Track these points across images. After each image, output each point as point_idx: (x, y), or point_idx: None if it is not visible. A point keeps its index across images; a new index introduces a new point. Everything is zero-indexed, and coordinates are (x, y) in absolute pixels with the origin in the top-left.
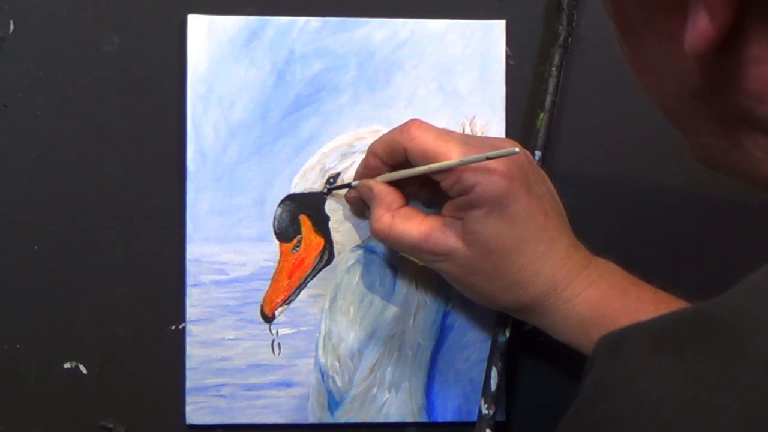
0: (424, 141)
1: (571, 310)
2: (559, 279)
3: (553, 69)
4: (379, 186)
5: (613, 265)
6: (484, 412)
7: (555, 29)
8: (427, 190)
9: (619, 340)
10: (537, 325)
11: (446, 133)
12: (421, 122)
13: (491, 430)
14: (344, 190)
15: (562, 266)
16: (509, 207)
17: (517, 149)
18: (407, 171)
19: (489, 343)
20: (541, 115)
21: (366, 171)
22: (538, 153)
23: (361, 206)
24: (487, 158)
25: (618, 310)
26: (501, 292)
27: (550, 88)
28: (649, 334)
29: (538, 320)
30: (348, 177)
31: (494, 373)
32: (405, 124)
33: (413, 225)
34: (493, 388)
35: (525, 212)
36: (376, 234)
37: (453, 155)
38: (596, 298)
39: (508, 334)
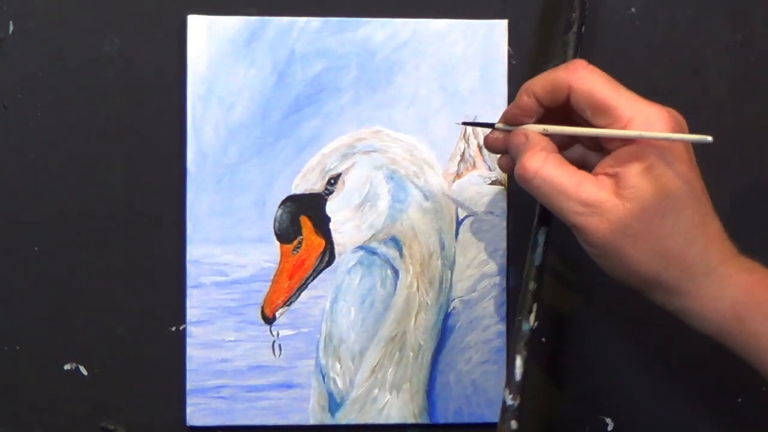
0: (592, 84)
1: (722, 292)
2: (711, 256)
3: (569, 55)
4: (534, 133)
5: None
6: (509, 403)
7: (567, 17)
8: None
9: None
10: (673, 308)
11: (614, 82)
12: (588, 63)
13: (517, 421)
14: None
15: (713, 244)
16: (671, 166)
17: (710, 138)
18: (572, 129)
19: (491, 344)
20: None
21: (517, 111)
22: None
23: (499, 150)
24: (673, 140)
25: None
26: (648, 259)
27: None
28: None
29: (680, 301)
30: (349, 177)
31: (518, 362)
32: (570, 63)
33: (566, 169)
34: (518, 377)
35: (685, 177)
36: (523, 173)
37: (622, 107)
38: (751, 282)
39: (533, 322)
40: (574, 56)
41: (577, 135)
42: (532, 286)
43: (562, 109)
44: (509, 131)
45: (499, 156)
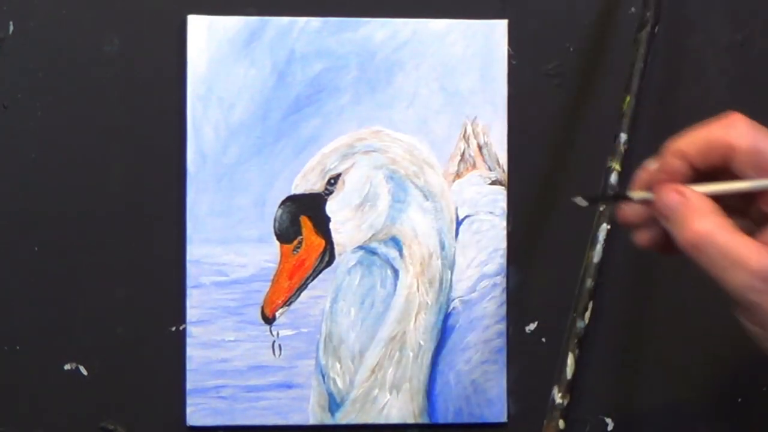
0: (760, 143)
1: None
2: None
3: (641, 52)
4: (690, 189)
5: None
6: (558, 401)
7: (641, 16)
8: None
9: None
10: None
11: None
12: (747, 118)
13: (564, 421)
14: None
15: None
16: None
17: None
18: (747, 183)
19: (491, 344)
20: (628, 99)
21: (662, 176)
22: (624, 136)
23: (639, 223)
24: None
25: None
26: None
27: (637, 72)
28: None
29: None
30: (349, 178)
31: (570, 360)
32: (727, 119)
33: (740, 235)
34: (569, 376)
35: None
36: (695, 239)
37: None
38: None
39: (587, 320)
40: (647, 55)
41: (740, 191)
42: (589, 283)
43: (709, 171)
44: (649, 199)
45: (637, 231)
